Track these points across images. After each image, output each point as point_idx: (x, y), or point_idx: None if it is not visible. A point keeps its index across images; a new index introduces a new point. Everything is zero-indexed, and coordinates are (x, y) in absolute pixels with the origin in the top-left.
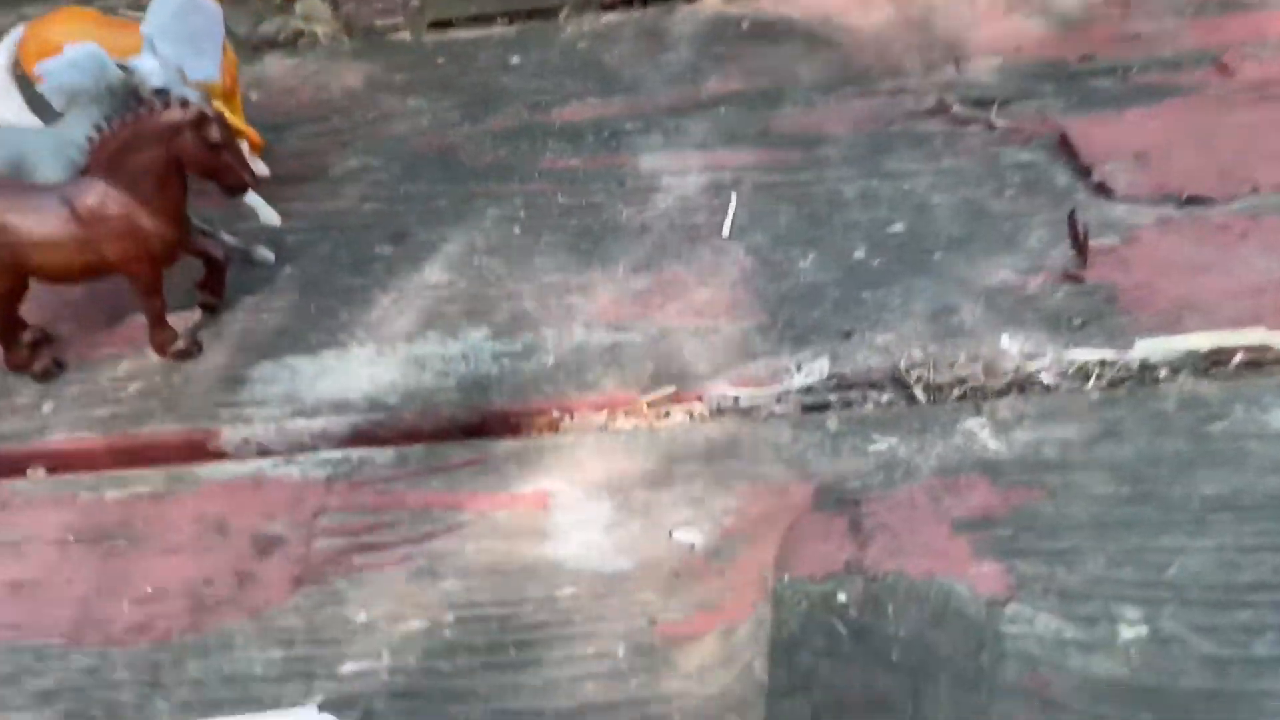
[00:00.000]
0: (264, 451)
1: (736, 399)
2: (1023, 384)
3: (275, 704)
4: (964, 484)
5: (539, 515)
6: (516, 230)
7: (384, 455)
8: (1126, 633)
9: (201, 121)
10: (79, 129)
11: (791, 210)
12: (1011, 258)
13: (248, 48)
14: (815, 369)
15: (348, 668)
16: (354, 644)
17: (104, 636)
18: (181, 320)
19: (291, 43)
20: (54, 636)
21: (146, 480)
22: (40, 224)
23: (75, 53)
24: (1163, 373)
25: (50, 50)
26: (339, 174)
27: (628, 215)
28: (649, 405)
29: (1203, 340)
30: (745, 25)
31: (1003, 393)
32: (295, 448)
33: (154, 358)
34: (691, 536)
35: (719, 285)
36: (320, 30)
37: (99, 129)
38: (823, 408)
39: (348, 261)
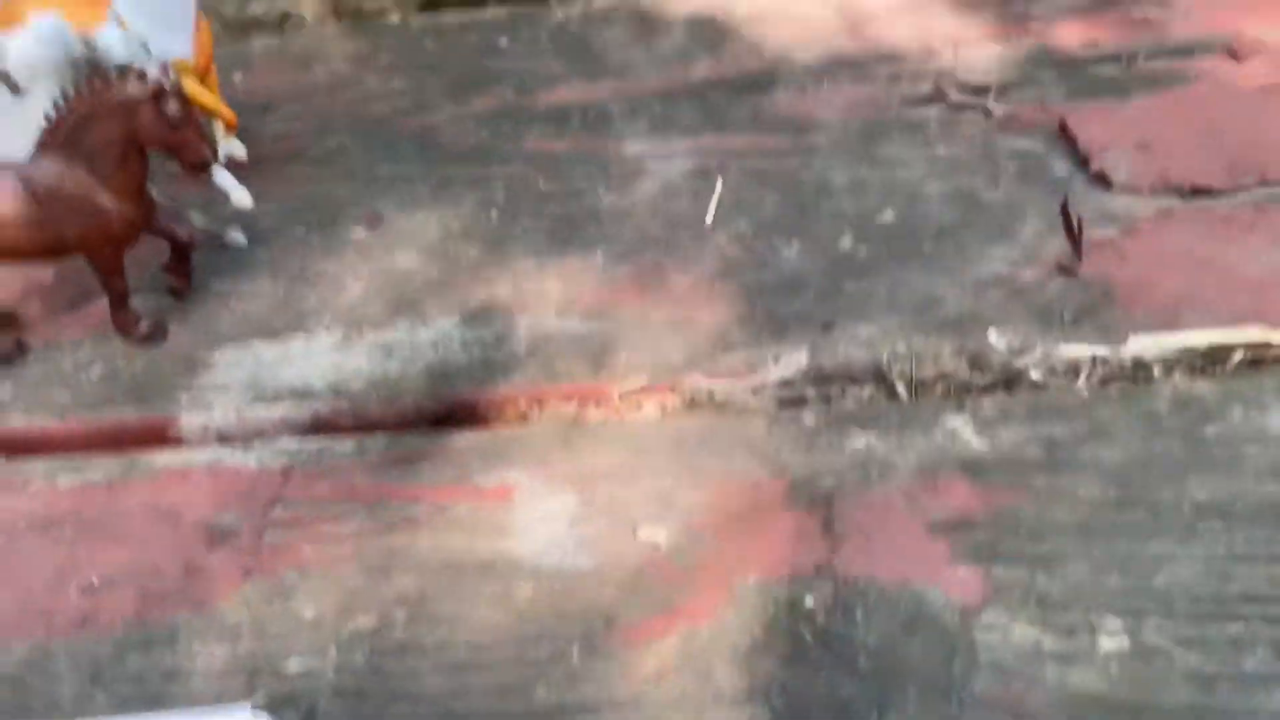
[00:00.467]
0: (223, 438)
1: (711, 392)
2: (1010, 380)
3: (216, 701)
4: (943, 484)
5: (500, 509)
6: (494, 215)
7: (344, 445)
8: (1107, 644)
9: (160, 95)
10: (42, 103)
11: (778, 198)
12: (1004, 249)
13: (235, 28)
14: (793, 362)
15: (293, 665)
16: (300, 640)
17: (46, 627)
18: (148, 303)
19: (279, 24)
20: None
21: (102, 467)
22: None
23: (38, 26)
24: (1157, 371)
25: (19, 22)
26: (317, 155)
27: (609, 201)
28: (620, 397)
29: (1200, 338)
30: (739, 9)
31: (988, 389)
32: (254, 435)
33: (119, 342)
34: (656, 534)
35: (699, 274)
36: (308, 13)
37: (55, 105)
38: (800, 402)
39: (320, 245)
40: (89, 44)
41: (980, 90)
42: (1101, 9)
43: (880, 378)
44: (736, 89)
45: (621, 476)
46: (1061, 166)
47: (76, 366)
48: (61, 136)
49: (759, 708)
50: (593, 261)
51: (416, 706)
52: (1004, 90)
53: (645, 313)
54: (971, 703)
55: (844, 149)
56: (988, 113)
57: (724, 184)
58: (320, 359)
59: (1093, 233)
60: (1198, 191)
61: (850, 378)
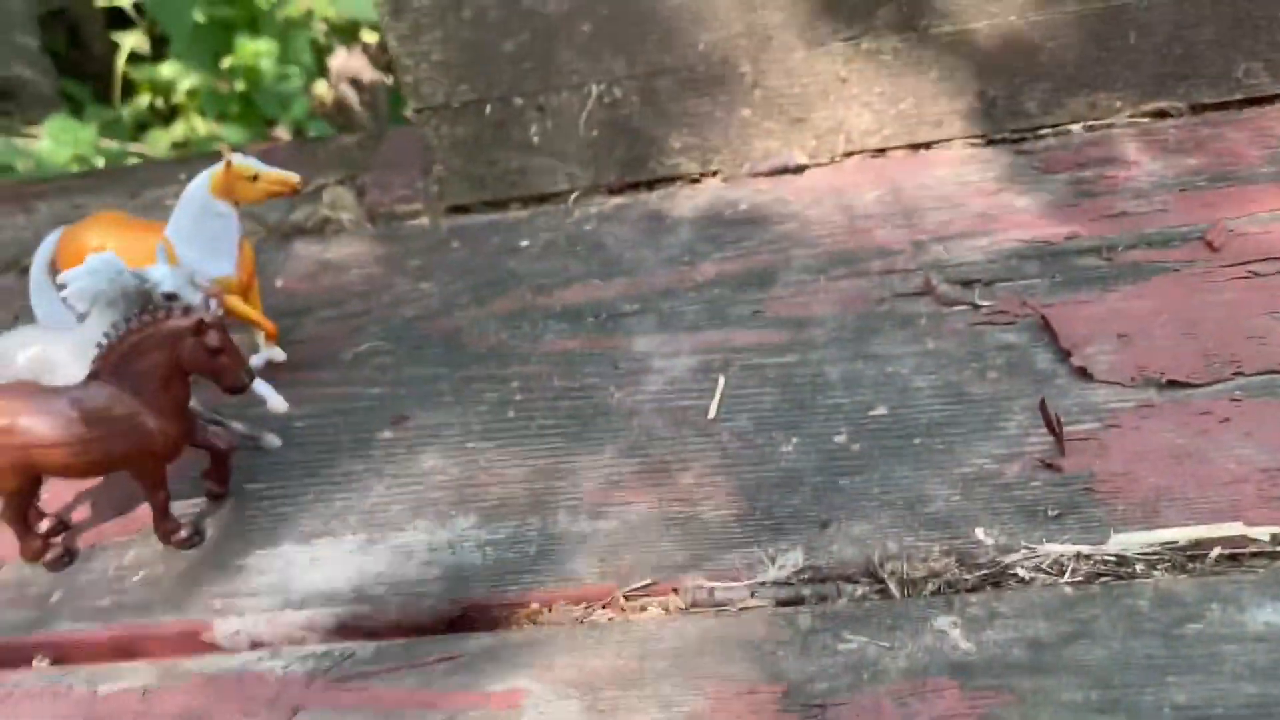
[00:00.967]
0: (255, 644)
1: (711, 591)
2: (997, 578)
3: None
4: (931, 688)
5: (509, 717)
6: (511, 413)
7: (365, 650)
8: None
9: (201, 328)
10: (97, 331)
11: (777, 393)
12: (989, 444)
13: (278, 234)
14: (789, 561)
15: None
16: None
17: None
18: (188, 508)
19: (319, 229)
20: None
21: (139, 673)
22: (51, 427)
23: (94, 261)
24: (1139, 567)
25: (83, 254)
26: (349, 358)
27: (618, 398)
28: (626, 598)
29: (1179, 534)
30: (743, 206)
31: (976, 588)
32: (283, 640)
33: (159, 545)
34: None
35: (700, 470)
36: (345, 217)
37: (107, 335)
38: (796, 601)
39: (349, 446)
40: (140, 278)
41: (967, 284)
42: (1081, 200)
43: (874, 577)
44: (738, 285)
45: (625, 681)
46: (1045, 359)
47: (120, 572)
48: (111, 363)
49: None
50: (601, 458)
51: None
52: (990, 283)
53: (649, 511)
54: None
55: (839, 344)
56: (975, 306)
57: (726, 380)
58: (345, 562)
59: (1075, 426)
60: (1174, 384)
61: (845, 577)
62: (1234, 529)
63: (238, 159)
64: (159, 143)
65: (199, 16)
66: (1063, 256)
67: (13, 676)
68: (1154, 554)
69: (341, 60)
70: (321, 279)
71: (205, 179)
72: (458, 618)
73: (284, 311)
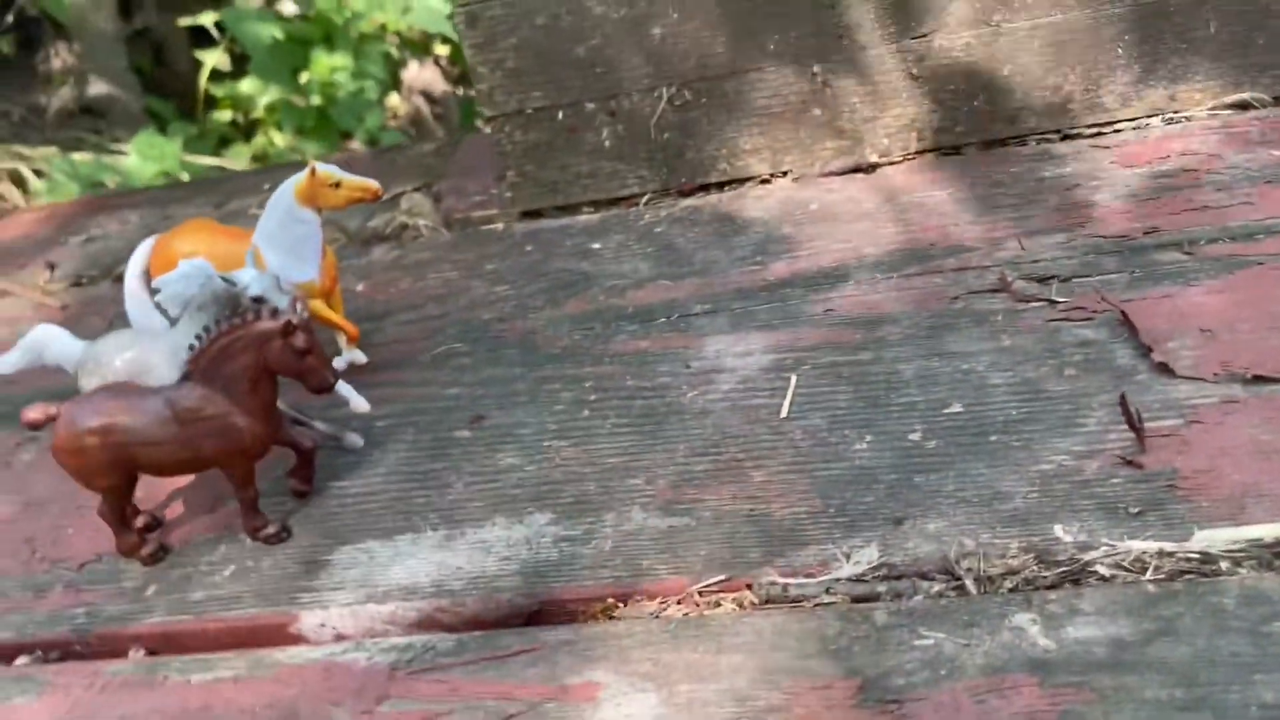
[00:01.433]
0: (339, 636)
1: (786, 587)
2: (1076, 575)
3: None
4: (1010, 685)
5: (585, 709)
6: (586, 413)
7: (445, 643)
8: None
9: (288, 330)
10: (189, 334)
11: (850, 391)
12: (1068, 441)
13: (358, 241)
14: (864, 558)
15: None
16: None
17: None
18: (275, 506)
19: (397, 235)
20: None
21: (230, 664)
22: (147, 425)
23: (186, 267)
24: (1224, 564)
25: (175, 260)
26: (428, 360)
27: (690, 397)
28: (700, 593)
29: (1265, 531)
30: (814, 206)
31: (1055, 585)
32: (366, 633)
33: (248, 542)
34: None
35: (773, 468)
36: (422, 223)
37: (199, 337)
38: (871, 598)
39: (429, 445)
40: (230, 281)
41: (1044, 280)
42: (1161, 194)
43: (950, 574)
44: (810, 284)
45: (700, 675)
46: (1125, 355)
47: (211, 567)
48: (203, 365)
49: None
50: (675, 456)
51: None
52: (1067, 279)
53: (723, 508)
54: None
55: (913, 341)
56: (1051, 302)
57: (798, 379)
58: (425, 557)
59: (1156, 423)
60: (1260, 379)
61: (920, 574)
62: None
63: (321, 167)
64: (239, 157)
65: (277, 34)
66: (1142, 251)
67: (111, 666)
68: (1239, 551)
69: (414, 73)
70: (400, 283)
71: (290, 186)
72: (535, 612)
73: (365, 315)
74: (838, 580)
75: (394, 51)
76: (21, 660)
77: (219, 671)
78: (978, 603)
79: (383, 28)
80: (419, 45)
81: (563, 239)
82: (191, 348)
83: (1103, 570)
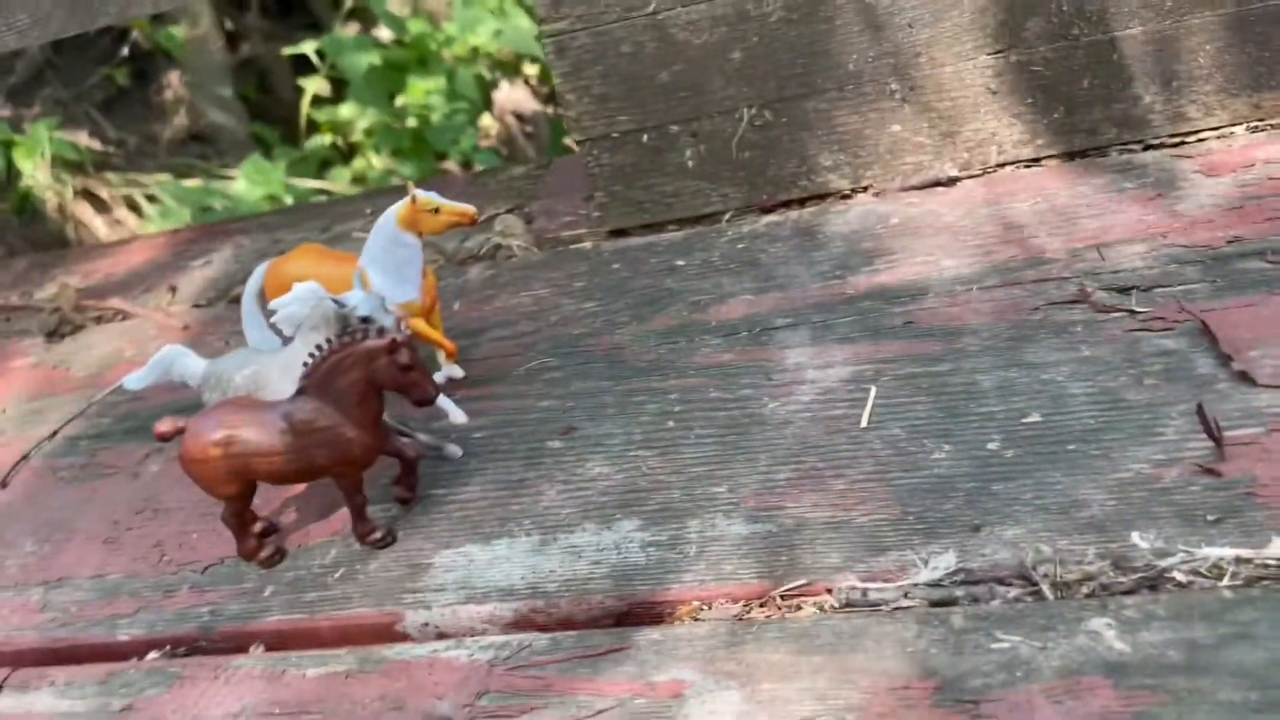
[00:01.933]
0: (441, 634)
1: (865, 592)
2: (1153, 582)
3: None
4: (1085, 686)
5: (672, 705)
6: (671, 424)
7: (540, 641)
8: None
9: (393, 348)
10: (303, 352)
11: (929, 401)
12: (1146, 449)
13: (455, 261)
14: (942, 564)
15: None
16: None
17: None
18: (381, 512)
19: (491, 255)
20: None
21: (341, 660)
22: (265, 436)
23: (299, 290)
24: None
25: (287, 283)
26: (521, 374)
27: (772, 408)
28: (781, 597)
29: None
30: (894, 220)
31: (1131, 590)
32: (466, 631)
33: (357, 546)
34: None
35: (853, 477)
36: (515, 244)
37: (312, 355)
38: (949, 603)
39: (523, 455)
40: (339, 303)
41: (1124, 290)
42: (1245, 203)
43: (1027, 580)
44: (890, 297)
45: (782, 674)
46: (1205, 364)
47: (323, 569)
48: (315, 381)
49: None
50: (757, 465)
51: None
52: (1148, 289)
53: (804, 515)
54: None
55: (992, 352)
56: (1132, 313)
57: (877, 390)
58: (520, 561)
59: (1236, 431)
60: None
61: (997, 579)
62: None
63: (421, 194)
64: (339, 179)
65: (374, 60)
66: (1225, 260)
67: (234, 660)
68: None
69: (505, 93)
70: (495, 301)
71: (393, 213)
72: (624, 613)
73: (462, 332)
74: (916, 585)
75: (486, 73)
76: (152, 655)
77: (332, 666)
78: (1054, 607)
79: (475, 51)
80: (510, 66)
81: (648, 256)
82: (305, 364)
83: (1179, 576)
